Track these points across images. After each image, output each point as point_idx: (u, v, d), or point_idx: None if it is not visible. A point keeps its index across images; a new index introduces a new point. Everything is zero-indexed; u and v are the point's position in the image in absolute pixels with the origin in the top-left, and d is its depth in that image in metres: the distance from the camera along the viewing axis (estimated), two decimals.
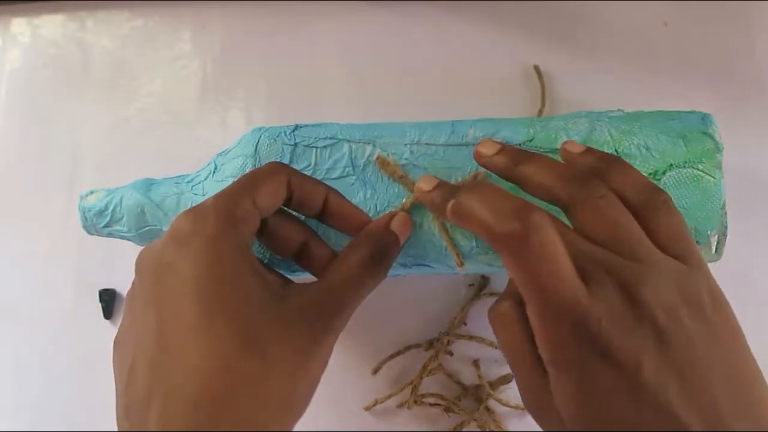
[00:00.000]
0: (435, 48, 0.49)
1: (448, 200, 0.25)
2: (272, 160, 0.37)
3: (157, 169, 0.42)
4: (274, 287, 0.26)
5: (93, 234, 0.41)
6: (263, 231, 0.30)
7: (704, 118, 0.36)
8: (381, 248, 0.29)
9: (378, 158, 0.37)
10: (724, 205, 0.35)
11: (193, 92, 0.50)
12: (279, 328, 0.25)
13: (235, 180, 0.29)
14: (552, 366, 0.23)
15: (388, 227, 0.31)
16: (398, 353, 0.43)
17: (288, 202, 0.30)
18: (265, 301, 0.25)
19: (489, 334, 0.43)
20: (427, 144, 0.37)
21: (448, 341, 0.43)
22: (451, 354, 0.43)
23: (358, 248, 0.29)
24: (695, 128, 0.36)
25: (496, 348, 0.43)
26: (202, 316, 0.23)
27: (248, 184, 0.28)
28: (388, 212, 0.30)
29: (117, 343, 0.28)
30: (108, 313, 0.45)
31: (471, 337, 0.43)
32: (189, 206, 0.38)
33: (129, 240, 0.41)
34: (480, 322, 0.43)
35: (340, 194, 0.32)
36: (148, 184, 0.40)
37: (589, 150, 0.30)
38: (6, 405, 0.45)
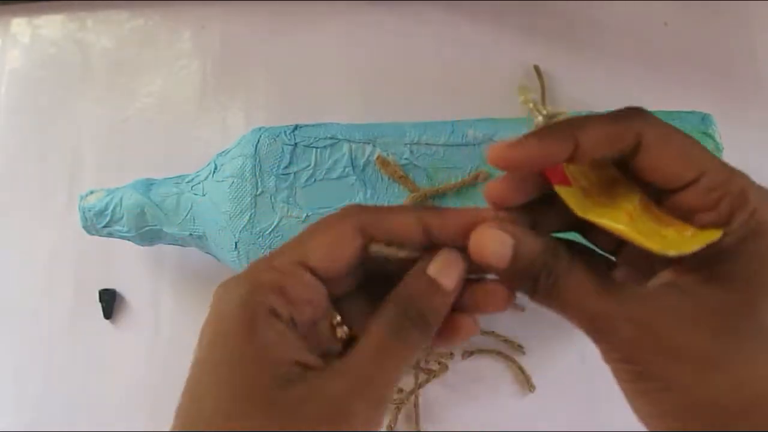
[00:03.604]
0: (435, 48, 0.49)
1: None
2: (272, 161, 0.37)
3: (157, 169, 0.42)
4: (281, 374, 0.20)
5: (93, 234, 0.41)
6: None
7: (704, 118, 0.36)
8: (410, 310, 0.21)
9: (378, 158, 0.37)
10: None
11: (193, 92, 0.50)
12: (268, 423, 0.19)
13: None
14: None
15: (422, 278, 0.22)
16: None
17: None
18: (261, 390, 0.20)
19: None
20: (427, 144, 0.37)
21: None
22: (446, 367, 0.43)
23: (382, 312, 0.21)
24: (695, 128, 0.36)
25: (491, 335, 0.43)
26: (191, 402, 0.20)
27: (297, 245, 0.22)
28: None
29: None
30: (108, 313, 0.45)
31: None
32: (189, 206, 0.39)
33: (129, 240, 0.41)
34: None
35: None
36: (148, 184, 0.40)
37: None
38: (6, 405, 0.45)
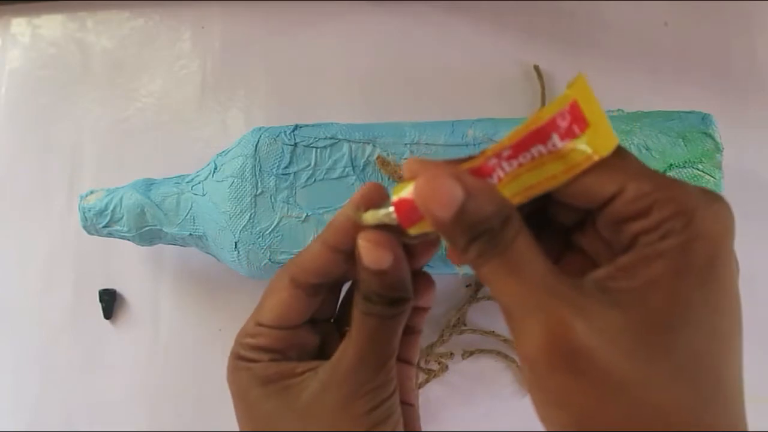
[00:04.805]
0: (435, 48, 0.49)
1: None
2: (272, 161, 0.37)
3: (157, 169, 0.42)
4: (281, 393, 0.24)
5: (93, 234, 0.41)
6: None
7: (704, 118, 0.36)
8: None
9: (378, 158, 0.37)
10: None
11: (193, 92, 0.50)
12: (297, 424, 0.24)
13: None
14: None
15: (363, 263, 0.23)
16: None
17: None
18: (278, 411, 0.24)
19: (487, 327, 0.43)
20: (427, 144, 0.37)
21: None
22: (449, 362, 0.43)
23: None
24: (695, 128, 0.36)
25: (491, 334, 0.43)
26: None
27: (258, 306, 0.25)
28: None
29: None
30: (108, 313, 0.45)
31: (464, 331, 0.43)
32: (189, 206, 0.39)
33: (129, 240, 0.41)
34: (478, 321, 0.44)
35: None
36: (148, 184, 0.40)
37: None
38: (6, 405, 0.45)
